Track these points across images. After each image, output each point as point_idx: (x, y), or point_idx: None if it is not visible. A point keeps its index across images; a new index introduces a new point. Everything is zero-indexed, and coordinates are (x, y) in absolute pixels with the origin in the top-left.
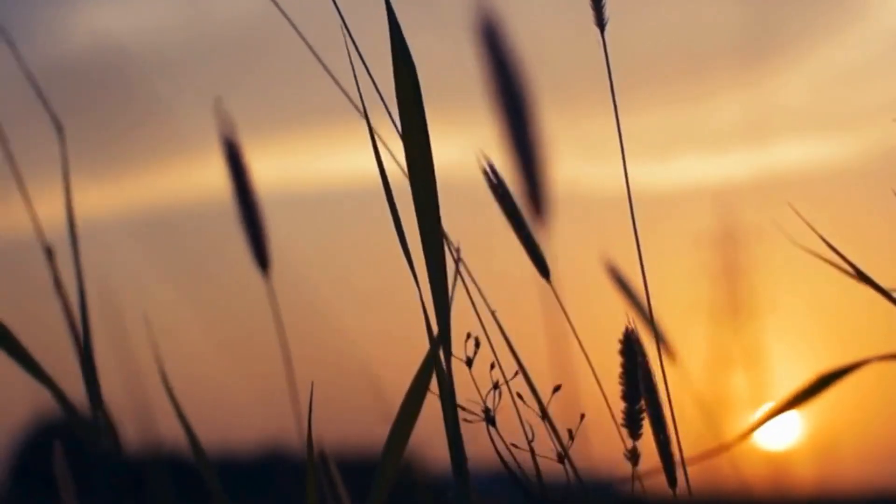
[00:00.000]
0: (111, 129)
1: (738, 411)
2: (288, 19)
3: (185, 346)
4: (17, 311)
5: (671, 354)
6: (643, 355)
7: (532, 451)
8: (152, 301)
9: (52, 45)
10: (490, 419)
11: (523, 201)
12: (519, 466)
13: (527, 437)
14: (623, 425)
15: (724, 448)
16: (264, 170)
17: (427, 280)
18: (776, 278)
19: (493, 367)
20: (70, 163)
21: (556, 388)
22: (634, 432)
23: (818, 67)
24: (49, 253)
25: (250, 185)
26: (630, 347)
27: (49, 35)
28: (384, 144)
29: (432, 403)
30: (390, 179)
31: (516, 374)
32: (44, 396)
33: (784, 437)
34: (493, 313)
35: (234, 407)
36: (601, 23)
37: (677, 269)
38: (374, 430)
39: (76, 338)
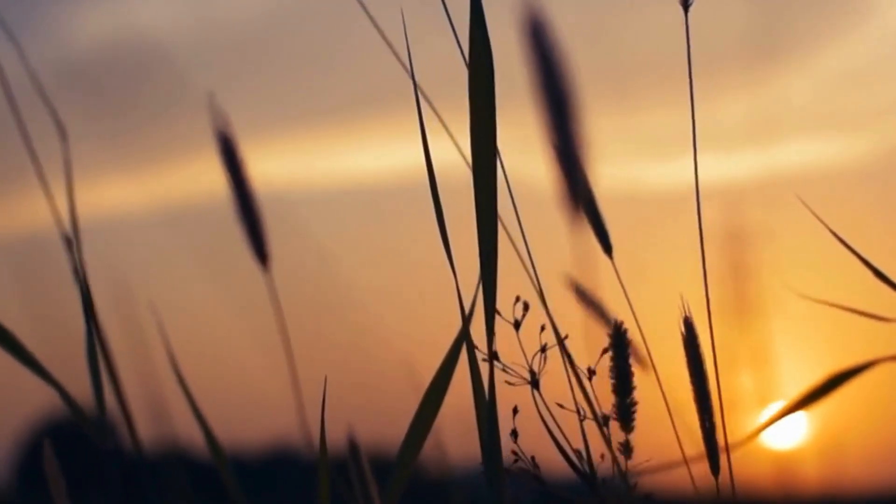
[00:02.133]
0: (129, 124)
1: (746, 411)
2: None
3: (202, 340)
4: (28, 308)
5: (643, 363)
6: (693, 344)
7: (578, 410)
8: (173, 295)
9: (65, 42)
10: (535, 382)
11: (562, 198)
12: (564, 437)
13: (575, 402)
14: (615, 419)
15: (737, 445)
16: (275, 167)
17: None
18: (783, 278)
19: (543, 328)
20: (88, 159)
21: (605, 350)
22: (626, 425)
23: (825, 67)
24: (70, 244)
25: (246, 180)
26: (619, 341)
27: (61, 31)
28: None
29: (456, 403)
30: (427, 171)
31: (566, 336)
32: (52, 395)
33: (791, 437)
34: (537, 282)
35: (248, 403)
36: (686, 2)
37: (682, 269)
38: (396, 427)
39: (90, 333)
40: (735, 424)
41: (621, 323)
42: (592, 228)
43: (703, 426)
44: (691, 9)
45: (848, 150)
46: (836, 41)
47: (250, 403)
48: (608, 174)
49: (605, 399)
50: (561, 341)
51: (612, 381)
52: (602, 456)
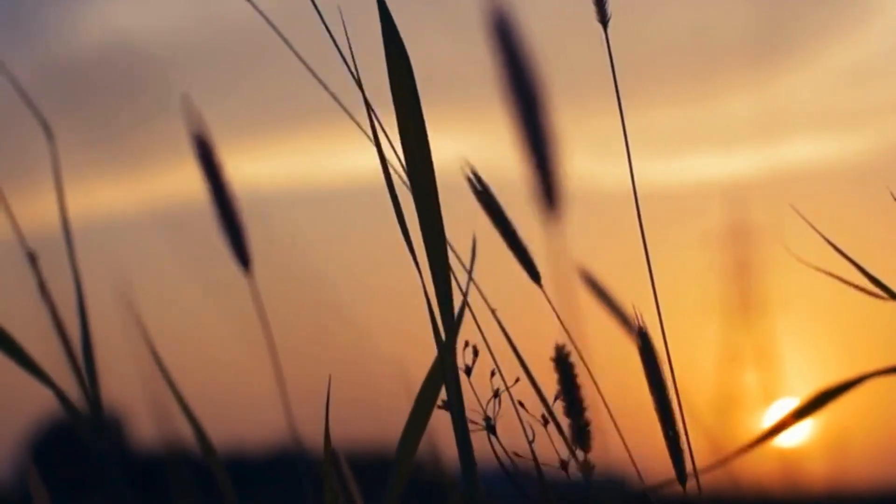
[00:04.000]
0: (124, 125)
1: (749, 409)
2: (274, 27)
3: (202, 342)
4: (29, 309)
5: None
6: (650, 354)
7: (535, 456)
8: (170, 297)
9: (55, 45)
10: (491, 428)
11: (536, 197)
12: (522, 470)
13: (528, 442)
14: (572, 441)
15: (731, 457)
16: (270, 168)
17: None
18: (785, 276)
19: (493, 374)
20: (76, 162)
21: (558, 396)
22: (584, 444)
23: (828, 65)
24: (32, 258)
25: (225, 184)
26: (563, 363)
27: (53, 34)
28: (386, 141)
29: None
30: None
31: (517, 381)
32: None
33: (795, 435)
34: (493, 311)
35: (247, 404)
36: (604, 19)
37: (686, 267)
38: (384, 428)
39: (63, 338)
40: (740, 422)
41: (563, 346)
42: (518, 259)
43: (666, 435)
44: (700, 9)
45: (851, 148)
46: (840, 40)
47: (249, 403)
48: (611, 173)
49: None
50: (515, 382)
51: (563, 404)
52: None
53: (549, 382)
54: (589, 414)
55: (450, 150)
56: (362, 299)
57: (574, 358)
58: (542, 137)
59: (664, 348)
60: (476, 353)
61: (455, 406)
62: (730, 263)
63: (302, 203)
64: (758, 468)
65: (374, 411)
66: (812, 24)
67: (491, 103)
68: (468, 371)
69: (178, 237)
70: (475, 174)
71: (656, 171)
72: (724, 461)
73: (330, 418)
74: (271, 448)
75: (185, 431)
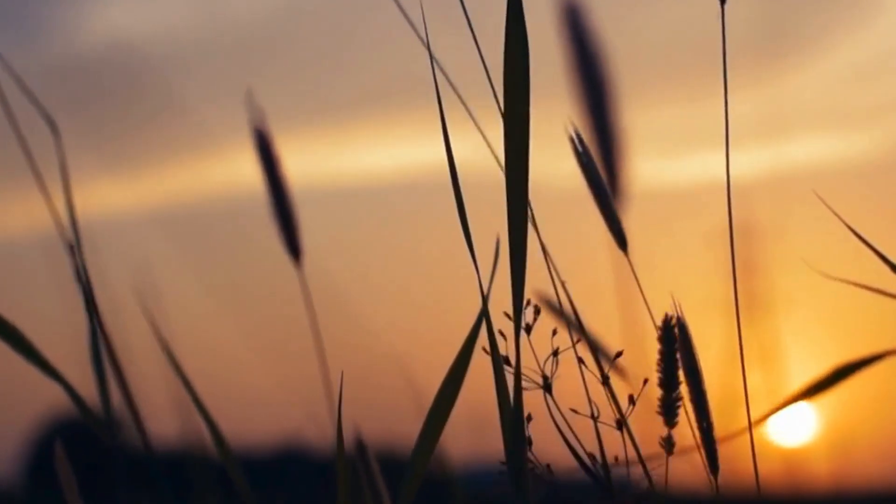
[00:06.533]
0: (135, 125)
1: (754, 407)
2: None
3: (212, 339)
4: (47, 306)
5: (621, 371)
6: (687, 344)
7: (593, 416)
8: (181, 295)
9: (64, 43)
10: (547, 386)
11: (598, 189)
12: (575, 436)
13: (591, 406)
14: (658, 413)
15: (741, 432)
16: (290, 165)
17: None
18: (790, 275)
19: (555, 333)
20: (84, 161)
21: (618, 354)
22: (670, 420)
23: (833, 64)
24: (72, 249)
25: (282, 175)
26: (669, 335)
27: (61, 33)
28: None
29: (462, 400)
30: (448, 170)
31: (578, 340)
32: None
33: (799, 434)
34: (562, 283)
35: (258, 401)
36: None
37: (690, 266)
38: (403, 426)
39: (93, 332)
40: (744, 421)
41: (671, 317)
42: (608, 225)
43: (700, 426)
44: (705, 8)
45: (857, 146)
46: (845, 38)
47: (257, 402)
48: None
49: (624, 398)
50: (573, 344)
51: (659, 375)
52: (616, 458)
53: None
54: (688, 389)
55: (463, 148)
56: (380, 297)
57: (682, 333)
58: (609, 127)
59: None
60: (538, 311)
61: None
62: (734, 262)
63: (324, 199)
64: (762, 467)
65: (376, 411)
66: (817, 23)
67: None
68: (528, 329)
69: (183, 235)
70: (577, 134)
71: (659, 169)
72: (738, 433)
73: (352, 416)
74: (276, 447)
75: (203, 431)
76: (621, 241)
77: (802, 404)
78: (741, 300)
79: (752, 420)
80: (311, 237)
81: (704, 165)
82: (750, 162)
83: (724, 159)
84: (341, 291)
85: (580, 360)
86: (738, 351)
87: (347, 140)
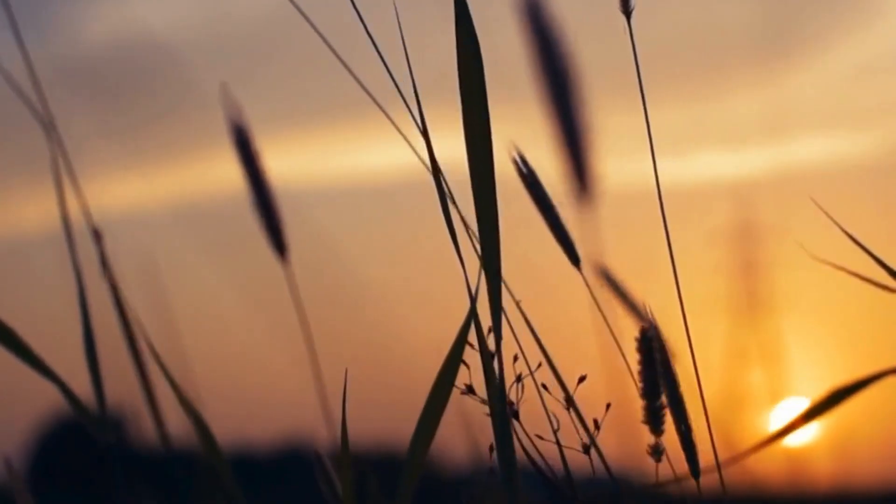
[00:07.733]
0: (140, 121)
1: (756, 408)
2: (306, 17)
3: (217, 336)
4: (56, 304)
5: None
6: (662, 352)
7: (558, 441)
8: (187, 291)
9: (76, 40)
10: (513, 413)
11: (570, 187)
12: (544, 460)
13: (552, 428)
14: (644, 422)
15: (744, 455)
16: (282, 165)
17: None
18: (793, 274)
19: (516, 359)
20: (98, 157)
21: (582, 379)
22: (656, 429)
23: (836, 64)
24: (97, 236)
25: (262, 171)
26: (647, 345)
27: (72, 29)
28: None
29: (452, 402)
30: (405, 174)
31: (539, 365)
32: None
33: (801, 434)
34: (517, 303)
35: (259, 400)
36: (627, 10)
37: (694, 265)
38: (397, 426)
39: (124, 325)
40: (747, 421)
41: (650, 326)
42: (558, 241)
43: (678, 430)
44: (707, 8)
45: (859, 146)
46: (847, 39)
47: (263, 398)
48: (615, 170)
49: (597, 412)
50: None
51: (641, 385)
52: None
53: (570, 370)
54: (664, 399)
55: (454, 148)
56: (385, 294)
57: (657, 341)
58: (576, 126)
59: (687, 345)
60: (499, 338)
61: (498, 408)
62: (737, 261)
63: (320, 198)
64: (764, 467)
65: (374, 410)
66: (820, 22)
67: (520, 98)
68: (492, 356)
69: (198, 230)
70: (521, 157)
71: (663, 168)
72: (738, 458)
73: (354, 414)
74: (278, 445)
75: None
76: (573, 257)
77: (802, 404)
78: (742, 300)
79: (763, 438)
80: (310, 237)
81: (708, 165)
82: (754, 161)
83: (652, 165)
84: (341, 292)
85: (544, 386)
86: (739, 351)
87: (348, 140)
